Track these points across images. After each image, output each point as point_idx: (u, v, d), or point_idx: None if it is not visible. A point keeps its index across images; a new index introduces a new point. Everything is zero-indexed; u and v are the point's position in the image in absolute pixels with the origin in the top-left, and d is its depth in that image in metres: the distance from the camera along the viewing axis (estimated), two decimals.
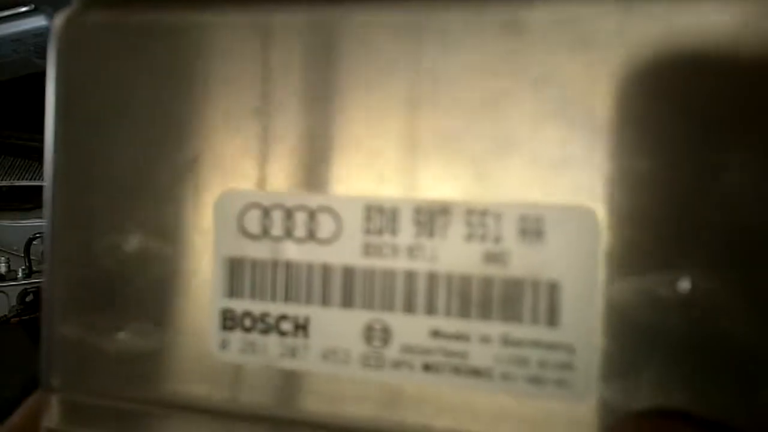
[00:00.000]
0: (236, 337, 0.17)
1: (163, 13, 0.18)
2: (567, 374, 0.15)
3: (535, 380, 0.15)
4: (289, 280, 0.17)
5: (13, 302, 0.86)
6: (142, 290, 0.18)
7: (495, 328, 0.16)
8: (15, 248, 0.88)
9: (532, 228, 0.15)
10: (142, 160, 0.18)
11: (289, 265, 0.17)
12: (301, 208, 0.17)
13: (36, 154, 0.84)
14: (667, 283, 0.15)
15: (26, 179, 0.85)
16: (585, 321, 0.15)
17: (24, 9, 0.63)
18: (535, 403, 0.16)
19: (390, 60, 0.16)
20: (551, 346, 0.15)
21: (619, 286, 0.15)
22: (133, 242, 0.18)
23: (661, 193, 0.15)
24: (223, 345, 0.17)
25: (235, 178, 0.17)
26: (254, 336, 0.17)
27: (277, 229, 0.17)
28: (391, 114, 0.16)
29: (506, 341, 0.16)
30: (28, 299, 0.86)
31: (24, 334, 0.81)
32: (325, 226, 0.16)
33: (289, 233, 0.17)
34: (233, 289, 0.17)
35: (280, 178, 0.17)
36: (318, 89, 0.17)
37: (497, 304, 0.16)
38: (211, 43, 0.17)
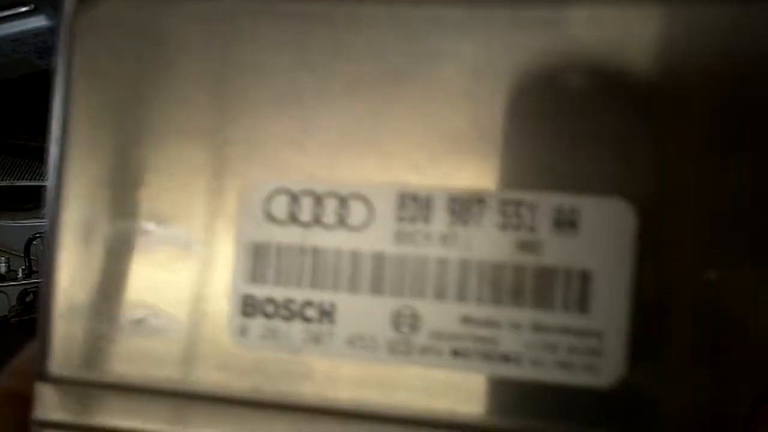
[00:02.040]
0: (257, 323, 0.17)
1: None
2: (595, 360, 0.15)
3: (564, 365, 0.16)
4: (316, 266, 0.17)
5: (13, 302, 0.85)
6: (157, 275, 0.17)
7: (526, 315, 0.16)
8: (15, 248, 0.88)
9: (566, 219, 0.16)
10: (161, 145, 0.17)
11: (316, 251, 0.17)
12: (332, 194, 0.17)
13: (36, 154, 0.84)
14: (696, 272, 0.15)
15: (26, 179, 0.84)
16: (614, 308, 0.15)
17: (24, 9, 0.63)
18: (564, 389, 0.16)
19: (425, 50, 0.16)
20: (581, 333, 0.15)
21: (648, 275, 0.15)
22: (150, 227, 0.17)
23: (692, 185, 0.15)
24: (243, 332, 0.17)
25: (263, 163, 0.17)
26: (276, 323, 0.17)
27: (305, 215, 0.17)
28: (427, 103, 0.16)
29: (537, 328, 0.16)
30: (28, 299, 0.85)
31: (24, 334, 0.80)
32: (356, 213, 0.16)
33: (317, 220, 0.17)
34: (256, 275, 0.17)
35: (311, 164, 0.17)
36: (352, 77, 0.17)
37: (529, 292, 0.16)
38: (243, 31, 0.17)
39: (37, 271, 0.86)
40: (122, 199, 0.18)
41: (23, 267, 0.86)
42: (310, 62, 0.17)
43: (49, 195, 0.18)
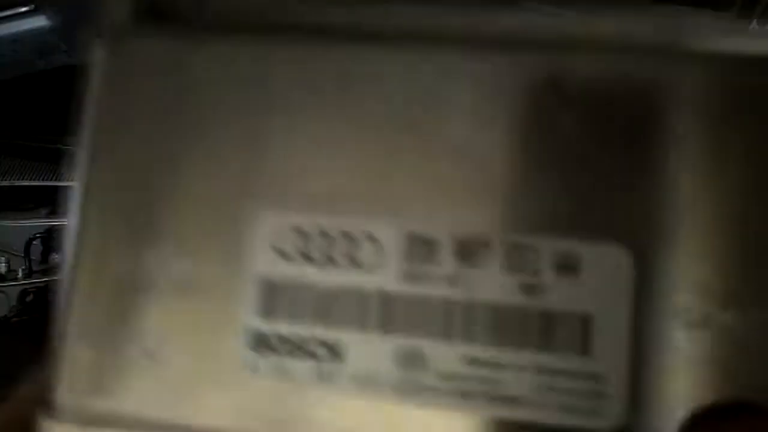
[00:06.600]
0: (267, 360, 0.17)
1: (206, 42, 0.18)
2: (598, 402, 0.16)
3: (567, 408, 0.16)
4: (326, 304, 0.17)
5: (13, 302, 0.86)
6: (168, 310, 0.17)
7: (529, 357, 0.16)
8: (15, 248, 0.88)
9: (568, 263, 0.16)
10: (173, 183, 0.18)
11: (326, 289, 0.17)
12: (343, 234, 0.17)
13: (36, 154, 0.84)
14: (696, 314, 0.16)
15: (27, 179, 0.84)
16: (616, 351, 0.16)
17: (24, 9, 0.63)
18: (566, 430, 0.16)
19: (433, 100, 0.17)
20: (583, 375, 0.16)
21: (649, 317, 0.16)
22: (162, 259, 0.18)
23: (690, 225, 0.16)
24: (253, 368, 0.17)
25: (275, 200, 0.17)
26: (285, 359, 0.17)
27: (316, 253, 0.17)
28: (432, 152, 0.17)
29: (540, 370, 0.16)
30: (28, 299, 0.86)
31: (24, 334, 0.80)
32: (366, 252, 0.17)
33: (328, 258, 0.17)
34: (266, 311, 0.17)
35: (323, 203, 0.17)
36: (361, 122, 0.17)
37: (532, 334, 0.16)
38: (255, 70, 0.18)
39: (37, 272, 0.87)
40: (135, 234, 0.18)
41: (23, 267, 0.86)
42: (327, 101, 0.17)
43: (69, 230, 0.18)
